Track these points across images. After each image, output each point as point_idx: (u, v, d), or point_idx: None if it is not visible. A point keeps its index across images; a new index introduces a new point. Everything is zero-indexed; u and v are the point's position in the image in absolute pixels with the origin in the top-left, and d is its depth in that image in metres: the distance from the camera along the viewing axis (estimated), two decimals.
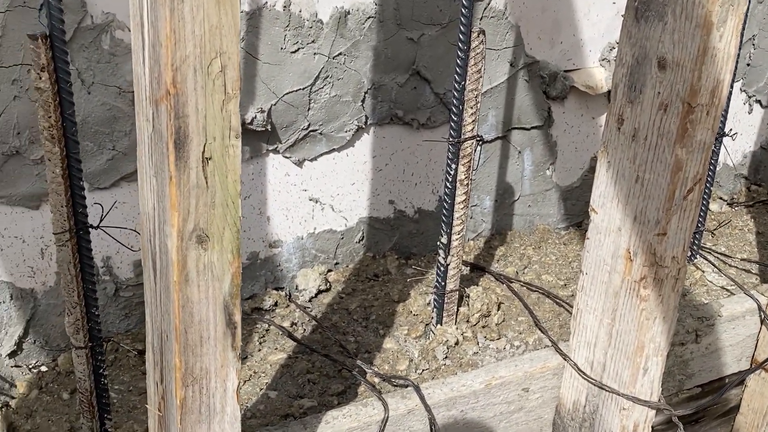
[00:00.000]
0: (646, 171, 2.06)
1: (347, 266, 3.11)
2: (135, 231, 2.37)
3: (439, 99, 3.02)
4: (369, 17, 2.78)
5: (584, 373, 2.37)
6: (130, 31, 2.41)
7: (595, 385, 2.34)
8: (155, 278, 1.66)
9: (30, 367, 2.64)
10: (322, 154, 2.92)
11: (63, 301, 2.54)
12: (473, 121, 2.43)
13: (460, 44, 2.36)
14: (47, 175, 1.93)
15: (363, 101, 2.89)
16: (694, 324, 2.75)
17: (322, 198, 2.99)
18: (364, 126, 2.94)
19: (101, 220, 2.02)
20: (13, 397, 2.58)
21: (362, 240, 3.13)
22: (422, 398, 2.31)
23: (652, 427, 2.43)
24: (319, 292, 2.97)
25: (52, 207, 1.96)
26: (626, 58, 2.08)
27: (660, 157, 2.02)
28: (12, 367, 2.62)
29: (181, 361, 1.61)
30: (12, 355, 2.61)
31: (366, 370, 2.53)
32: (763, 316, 2.83)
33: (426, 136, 3.06)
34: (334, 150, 2.93)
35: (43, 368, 2.64)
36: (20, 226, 2.51)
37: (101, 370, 2.18)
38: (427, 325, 2.76)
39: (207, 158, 1.49)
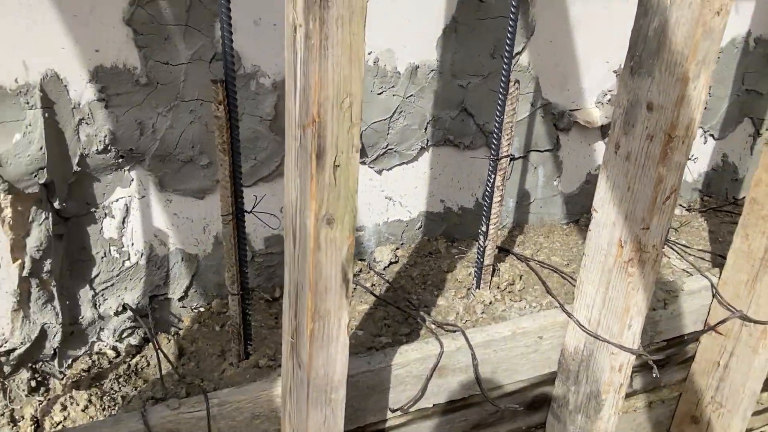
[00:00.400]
0: (636, 183, 2.07)
1: (410, 246, 3.14)
2: (273, 215, 2.46)
3: (479, 128, 3.04)
4: (432, 70, 2.83)
5: (584, 327, 2.38)
6: (269, 77, 2.53)
7: (591, 335, 2.35)
8: (295, 246, 1.72)
9: (192, 308, 2.72)
10: (395, 166, 2.95)
11: (221, 262, 2.65)
12: (508, 144, 2.47)
13: (501, 89, 2.39)
14: (219, 175, 2.02)
15: (425, 129, 2.92)
16: (663, 295, 2.74)
17: (394, 197, 3.03)
18: (425, 146, 2.97)
19: (253, 207, 2.11)
20: (180, 329, 2.69)
21: (420, 227, 3.16)
22: (467, 339, 2.33)
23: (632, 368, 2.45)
24: (390, 263, 2.99)
25: (221, 197, 2.05)
26: (623, 102, 2.09)
27: (646, 173, 2.04)
28: (180, 307, 2.71)
29: (312, 303, 1.67)
30: (181, 299, 2.70)
31: (426, 318, 2.56)
32: (714, 292, 2.81)
33: (469, 155, 3.08)
34: (404, 163, 2.96)
35: (201, 309, 2.72)
36: (190, 211, 2.59)
37: (246, 310, 2.28)
38: (468, 289, 2.79)
39: (336, 165, 1.54)
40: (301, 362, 1.79)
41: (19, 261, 2.30)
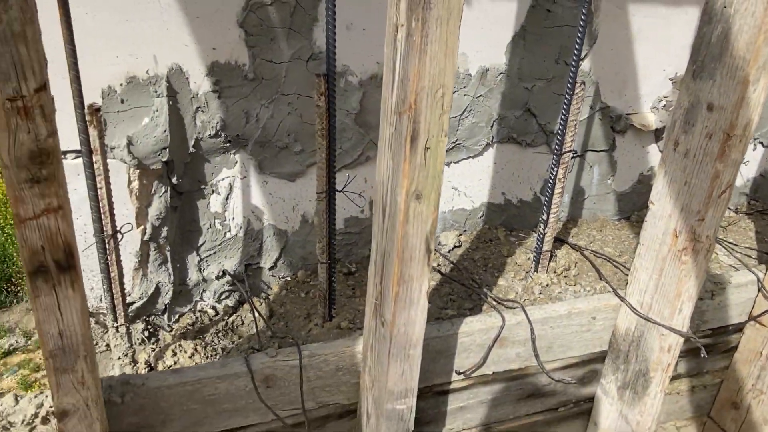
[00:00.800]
0: (693, 177, 2.06)
1: (472, 232, 3.17)
2: (359, 194, 2.52)
3: (541, 127, 3.05)
4: (500, 73, 2.86)
5: (636, 310, 2.37)
6: (357, 76, 2.62)
7: (643, 318, 2.35)
8: (384, 220, 1.80)
9: (279, 277, 2.84)
10: (462, 159, 2.98)
11: (307, 239, 2.76)
12: (571, 140, 2.49)
13: (567, 89, 2.41)
14: (316, 157, 2.13)
15: (491, 126, 2.95)
16: (711, 287, 2.70)
17: (459, 187, 3.07)
18: (490, 143, 2.99)
19: (344, 187, 2.21)
20: (269, 294, 2.82)
21: (482, 216, 3.19)
22: (527, 315, 2.36)
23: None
24: (454, 246, 3.03)
25: (317, 177, 2.16)
26: (683, 103, 2.08)
27: (704, 168, 2.03)
28: (270, 276, 2.84)
29: (398, 269, 1.76)
30: (271, 269, 2.83)
31: (488, 294, 2.60)
32: (759, 286, 2.75)
33: (531, 151, 3.10)
34: (470, 157, 2.99)
35: (288, 278, 2.83)
36: (282, 191, 2.71)
37: (332, 278, 2.39)
38: (527, 272, 2.81)
39: (427, 147, 1.61)
40: (384, 321, 1.88)
41: (142, 227, 2.48)
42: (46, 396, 1.84)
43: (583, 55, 2.92)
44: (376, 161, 2.70)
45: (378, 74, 2.63)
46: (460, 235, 3.14)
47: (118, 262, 2.29)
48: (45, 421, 1.83)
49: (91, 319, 2.51)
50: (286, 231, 2.81)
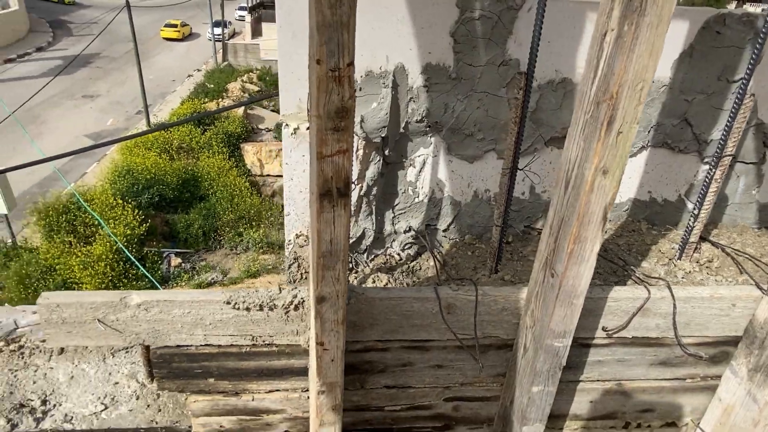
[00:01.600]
0: None
1: (615, 223, 3.09)
2: (536, 173, 2.58)
3: (695, 136, 2.89)
4: (663, 85, 2.76)
5: None
6: (536, 80, 2.68)
7: None
8: (566, 192, 1.86)
9: (450, 238, 2.99)
10: None
11: (475, 210, 2.88)
12: (733, 145, 2.36)
13: (737, 100, 2.29)
14: (507, 140, 2.26)
15: (648, 132, 2.86)
16: None
17: None
18: (645, 146, 2.90)
19: (525, 166, 2.31)
20: (441, 250, 3.01)
21: (627, 209, 3.09)
22: (671, 291, 2.29)
23: None
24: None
25: (505, 156, 2.28)
26: None
27: None
28: (442, 236, 2.99)
29: (576, 230, 1.82)
30: (444, 230, 2.99)
31: (635, 270, 2.55)
32: None
33: (681, 157, 2.95)
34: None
35: (456, 240, 2.98)
36: (462, 170, 2.85)
37: (502, 239, 2.51)
38: (670, 259, 2.70)
39: (620, 132, 1.66)
40: (555, 272, 1.96)
41: (360, 185, 2.79)
42: (299, 291, 2.19)
43: (744, 74, 2.73)
44: (541, 153, 2.78)
45: (554, 79, 2.68)
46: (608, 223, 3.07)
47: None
48: (296, 307, 2.17)
49: None
50: (460, 202, 2.96)
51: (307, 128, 2.53)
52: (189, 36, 30.61)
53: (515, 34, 2.54)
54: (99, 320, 2.02)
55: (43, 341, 2.79)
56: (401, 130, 2.73)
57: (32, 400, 2.58)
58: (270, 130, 18.36)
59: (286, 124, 2.55)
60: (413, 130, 2.75)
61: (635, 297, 2.29)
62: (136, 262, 10.09)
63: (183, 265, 12.76)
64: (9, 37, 26.89)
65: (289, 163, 2.62)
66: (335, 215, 1.71)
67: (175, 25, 29.65)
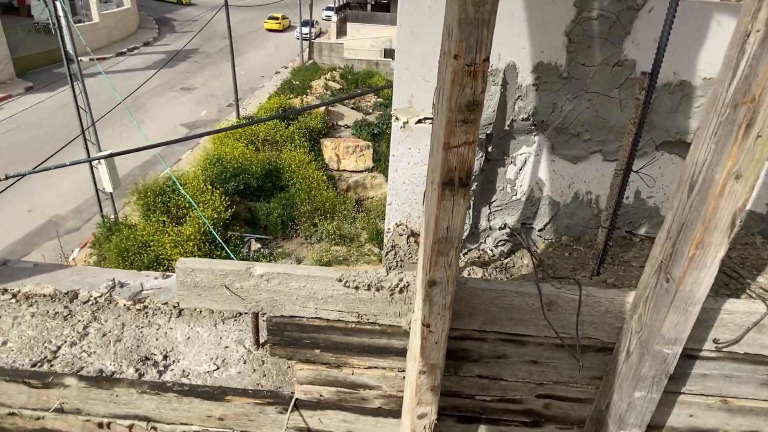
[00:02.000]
0: None
1: None
2: (652, 177, 2.49)
3: None
4: None
5: None
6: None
7: None
8: (689, 195, 1.80)
9: (545, 238, 2.95)
10: None
11: (574, 211, 2.82)
12: None
13: None
14: (624, 140, 2.21)
15: None
16: None
17: None
18: None
19: (640, 169, 2.25)
20: (536, 249, 2.99)
21: (741, 222, 2.87)
22: None
23: None
24: None
25: (620, 156, 2.24)
26: None
27: None
28: (537, 236, 2.96)
29: (700, 235, 1.76)
30: (540, 230, 2.96)
31: (751, 283, 2.41)
32: None
33: None
34: None
35: (552, 240, 2.93)
36: (564, 171, 2.79)
37: (608, 241, 2.46)
38: None
39: (759, 136, 1.60)
40: (670, 277, 1.91)
41: None
42: (405, 274, 2.29)
43: None
44: (649, 157, 2.68)
45: (671, 82, 2.58)
46: None
47: None
48: (401, 291, 2.28)
49: (411, 238, 2.98)
50: (559, 203, 2.92)
51: (417, 122, 2.62)
52: (288, 28, 34.57)
53: (633, 34, 2.48)
54: (226, 286, 2.24)
55: (165, 303, 3.11)
56: (506, 127, 2.75)
57: (155, 355, 2.89)
58: (348, 127, 18.84)
59: (396, 118, 2.65)
60: (518, 128, 2.76)
61: (752, 311, 2.18)
62: (223, 244, 10.79)
63: (262, 250, 13.48)
64: (122, 32, 29.65)
65: (395, 155, 2.73)
66: (455, 203, 1.79)
67: (277, 18, 33.87)
